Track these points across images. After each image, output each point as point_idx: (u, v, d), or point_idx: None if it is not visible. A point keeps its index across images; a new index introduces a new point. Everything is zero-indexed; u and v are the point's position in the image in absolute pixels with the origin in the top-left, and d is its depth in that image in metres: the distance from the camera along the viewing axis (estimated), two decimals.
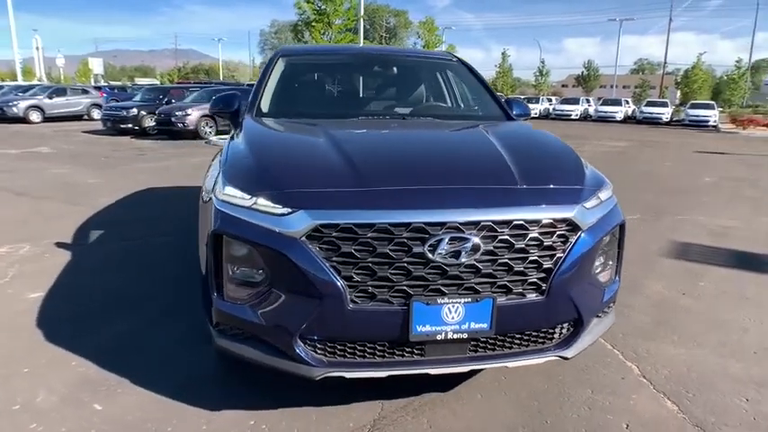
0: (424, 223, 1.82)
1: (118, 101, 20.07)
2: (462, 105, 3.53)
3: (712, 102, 32.71)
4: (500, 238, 1.87)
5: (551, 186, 2.07)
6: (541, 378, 2.49)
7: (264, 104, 3.07)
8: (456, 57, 3.77)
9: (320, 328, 1.87)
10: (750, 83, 48.09)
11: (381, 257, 1.82)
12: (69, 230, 4.96)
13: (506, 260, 1.89)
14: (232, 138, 2.72)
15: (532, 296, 1.95)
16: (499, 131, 2.70)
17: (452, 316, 1.87)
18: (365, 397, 2.30)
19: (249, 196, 1.94)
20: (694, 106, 29.79)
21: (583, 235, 1.99)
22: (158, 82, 56.08)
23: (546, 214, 1.93)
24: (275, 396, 2.31)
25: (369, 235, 1.81)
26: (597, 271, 2.13)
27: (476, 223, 1.85)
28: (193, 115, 14.87)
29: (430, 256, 1.82)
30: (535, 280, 1.94)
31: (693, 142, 17.46)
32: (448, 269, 1.84)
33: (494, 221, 1.86)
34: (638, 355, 2.76)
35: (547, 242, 1.93)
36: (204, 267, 2.15)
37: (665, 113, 30.22)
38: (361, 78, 3.53)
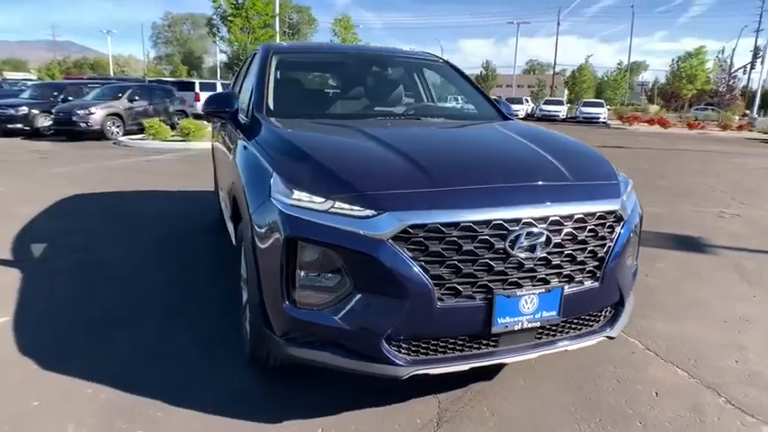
0: (504, 220, 1.90)
1: None
2: (461, 105, 3.64)
3: (602, 100, 36.04)
4: (565, 231, 2.00)
5: (598, 182, 2.25)
6: (566, 360, 2.68)
7: (270, 103, 2.97)
8: (441, 58, 3.89)
9: (407, 328, 1.88)
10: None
11: (466, 255, 1.87)
12: (3, 245, 4.40)
13: (570, 251, 2.03)
14: (249, 137, 2.60)
15: (589, 283, 2.11)
16: (520, 131, 2.84)
17: (528, 306, 1.98)
18: (419, 393, 2.33)
19: (324, 199, 1.90)
20: (587, 104, 32.64)
21: (625, 224, 2.19)
22: (35, 77, 50.46)
23: (599, 207, 2.10)
24: (333, 402, 2.27)
25: (454, 234, 1.86)
26: (630, 256, 2.35)
27: (546, 218, 1.96)
28: (98, 114, 13.66)
29: (510, 251, 1.91)
30: (592, 268, 2.10)
31: (592, 138, 19.14)
32: (525, 263, 1.94)
33: (560, 216, 1.99)
34: (637, 331, 3.05)
35: (600, 233, 2.10)
36: (256, 278, 2.07)
37: (562, 111, 32.82)
38: (360, 78, 3.52)
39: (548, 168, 2.23)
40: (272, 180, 2.07)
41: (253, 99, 2.99)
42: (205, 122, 12.67)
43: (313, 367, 2.07)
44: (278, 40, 16.36)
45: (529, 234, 1.93)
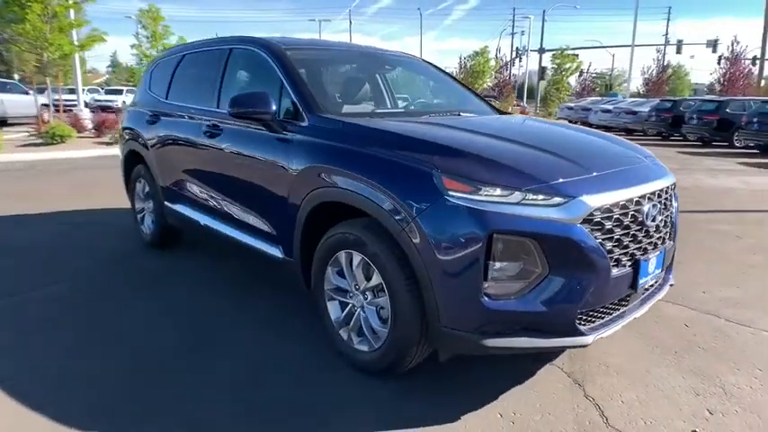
0: (639, 196, 2.25)
1: None
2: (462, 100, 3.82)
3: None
4: (663, 200, 2.44)
5: (657, 161, 2.73)
6: None
7: (323, 102, 2.80)
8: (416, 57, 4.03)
9: (591, 301, 2.10)
10: None
11: (624, 229, 2.16)
12: None
13: (665, 216, 2.47)
14: (330, 139, 2.47)
15: (670, 243, 2.59)
16: (551, 122, 3.21)
17: (652, 267, 2.36)
18: (542, 367, 2.55)
19: (513, 192, 1.99)
20: None
21: (676, 192, 2.72)
22: None
23: (671, 180, 2.58)
24: (487, 388, 2.36)
25: (616, 212, 2.13)
26: None
27: (655, 192, 2.37)
28: None
29: (645, 221, 2.26)
30: (671, 229, 2.58)
31: None
32: (651, 230, 2.32)
33: (660, 189, 2.42)
34: None
35: (672, 200, 2.59)
36: (429, 281, 2.05)
37: None
38: (379, 77, 3.44)
39: (632, 152, 2.64)
40: (435, 179, 2.05)
41: (296, 98, 2.78)
42: None
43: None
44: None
45: (652, 206, 2.30)
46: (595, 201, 2.05)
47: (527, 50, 47.76)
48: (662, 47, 41.41)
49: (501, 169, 2.07)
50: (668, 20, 54.62)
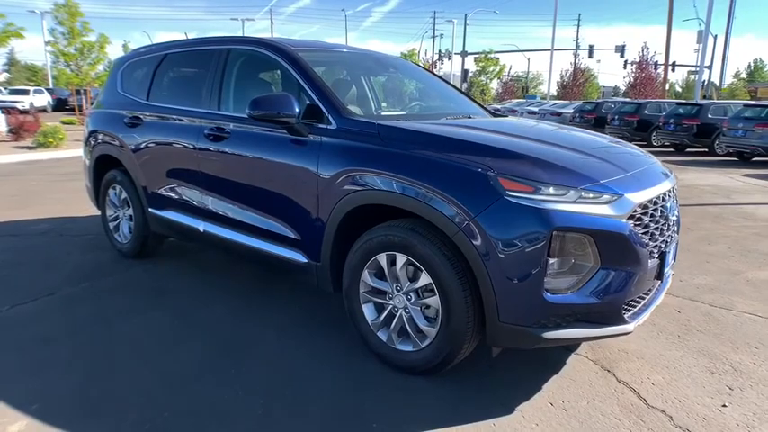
0: (664, 192, 2.45)
1: None
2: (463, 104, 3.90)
3: None
4: (675, 196, 2.66)
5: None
6: None
7: (349, 106, 2.79)
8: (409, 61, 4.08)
9: (633, 291, 2.25)
10: None
11: (655, 222, 2.35)
12: None
13: (677, 213, 2.70)
14: (382, 143, 2.47)
15: (676, 235, 2.82)
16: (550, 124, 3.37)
17: (671, 257, 2.57)
18: (568, 358, 2.70)
19: (569, 191, 2.10)
20: None
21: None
22: None
23: (675, 178, 2.82)
24: (527, 383, 2.46)
25: (650, 207, 2.31)
26: None
27: (671, 188, 2.59)
28: None
29: (670, 216, 2.46)
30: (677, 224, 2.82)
31: None
32: (671, 223, 2.53)
33: (673, 186, 2.64)
34: None
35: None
36: (488, 279, 2.12)
37: None
38: (385, 80, 3.43)
39: (642, 153, 2.85)
40: (491, 180, 2.12)
41: (318, 101, 2.75)
42: None
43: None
44: None
45: (672, 201, 2.52)
46: (637, 197, 2.22)
47: (450, 53, 49.27)
48: (579, 51, 44.21)
49: (557, 170, 2.18)
50: (578, 26, 58.63)
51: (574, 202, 2.09)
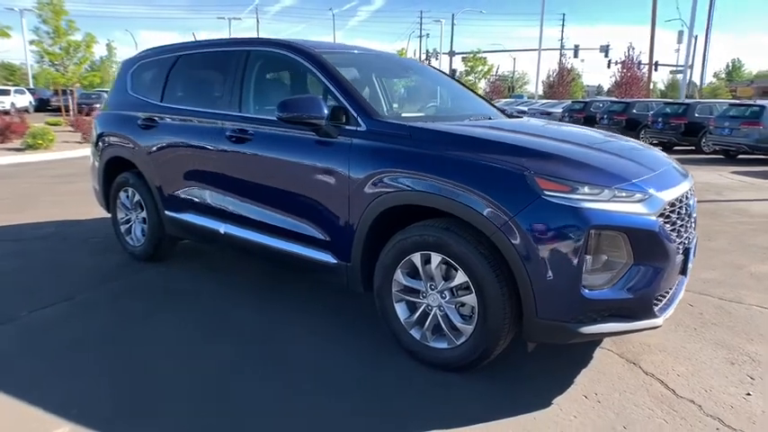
0: (686, 191, 2.54)
1: None
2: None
3: None
4: (693, 195, 2.75)
5: None
6: None
7: (377, 107, 2.83)
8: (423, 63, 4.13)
9: (662, 286, 2.33)
10: None
11: (679, 220, 2.43)
12: None
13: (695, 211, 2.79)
14: (415, 144, 2.52)
15: (695, 233, 2.91)
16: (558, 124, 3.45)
17: (693, 253, 2.66)
18: (593, 352, 2.77)
19: (604, 190, 2.17)
20: None
21: None
22: None
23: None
24: (562, 377, 2.53)
25: (677, 205, 2.39)
26: None
27: (691, 187, 2.68)
28: None
29: (693, 213, 2.55)
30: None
31: None
32: (692, 221, 2.61)
33: (692, 185, 2.73)
34: None
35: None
36: (527, 277, 2.18)
37: None
38: (405, 81, 3.47)
39: (663, 155, 2.94)
40: (528, 180, 2.18)
41: (346, 103, 2.78)
42: None
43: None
44: None
45: (692, 198, 2.61)
46: (666, 196, 2.30)
47: (438, 53, 49.49)
48: (565, 51, 44.69)
49: (591, 170, 2.25)
50: (563, 26, 59.21)
51: (608, 201, 2.17)
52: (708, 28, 28.79)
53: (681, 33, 35.26)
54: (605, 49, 40.24)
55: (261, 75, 3.35)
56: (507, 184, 2.23)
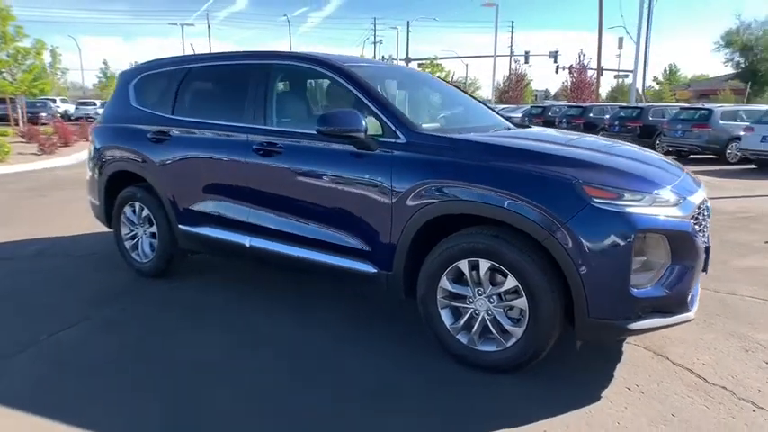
0: (705, 195, 2.77)
1: None
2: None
3: None
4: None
5: None
6: None
7: (415, 120, 2.93)
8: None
9: (693, 282, 2.53)
10: None
11: (702, 221, 2.64)
12: None
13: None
14: (461, 155, 2.63)
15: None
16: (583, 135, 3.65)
17: (708, 252, 2.88)
18: (627, 347, 2.96)
19: (645, 196, 2.35)
20: None
21: None
22: None
23: None
24: (598, 371, 2.69)
25: (702, 208, 2.61)
26: None
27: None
28: None
29: (710, 215, 2.78)
30: None
31: None
32: (708, 222, 2.84)
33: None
34: None
35: None
36: (579, 279, 2.32)
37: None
38: (425, 94, 3.56)
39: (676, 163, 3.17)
40: (576, 188, 2.33)
41: (383, 116, 2.86)
42: None
43: None
44: None
45: (708, 202, 2.84)
46: (695, 199, 2.52)
47: (394, 59, 49.98)
48: (517, 57, 46.02)
49: (632, 177, 2.43)
50: (512, 32, 61.03)
51: (650, 206, 2.35)
52: (647, 35, 30.33)
53: (621, 39, 37.28)
54: (554, 55, 41.72)
55: (288, 88, 3.38)
56: (558, 192, 2.37)
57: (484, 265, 2.56)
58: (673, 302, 2.45)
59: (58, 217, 6.09)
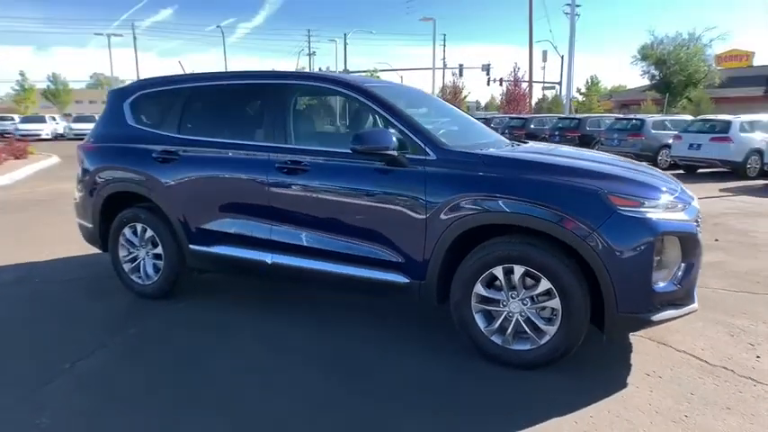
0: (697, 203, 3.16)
1: None
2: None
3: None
4: None
5: None
6: None
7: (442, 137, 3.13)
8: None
9: (697, 277, 2.88)
10: None
11: (700, 225, 3.01)
12: None
13: None
14: (493, 170, 2.85)
15: None
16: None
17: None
18: (633, 339, 3.28)
19: (659, 203, 2.68)
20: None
21: None
22: None
23: None
24: (615, 361, 2.98)
25: (700, 213, 2.99)
26: None
27: None
28: None
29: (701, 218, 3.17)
30: None
31: None
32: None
33: None
34: None
35: None
36: (609, 279, 2.60)
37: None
38: (430, 111, 3.76)
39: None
40: (602, 198, 2.62)
41: (413, 136, 3.05)
42: None
43: None
44: None
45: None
46: (696, 204, 2.88)
47: (332, 71, 50.21)
48: (453, 70, 47.50)
49: (648, 187, 2.76)
50: (444, 46, 63.08)
51: (665, 211, 2.68)
52: (570, 48, 32.40)
53: (545, 53, 39.77)
54: (487, 68, 43.52)
55: (309, 108, 3.48)
56: (588, 202, 2.64)
57: (518, 270, 2.78)
58: (684, 295, 2.78)
59: (23, 239, 5.75)
